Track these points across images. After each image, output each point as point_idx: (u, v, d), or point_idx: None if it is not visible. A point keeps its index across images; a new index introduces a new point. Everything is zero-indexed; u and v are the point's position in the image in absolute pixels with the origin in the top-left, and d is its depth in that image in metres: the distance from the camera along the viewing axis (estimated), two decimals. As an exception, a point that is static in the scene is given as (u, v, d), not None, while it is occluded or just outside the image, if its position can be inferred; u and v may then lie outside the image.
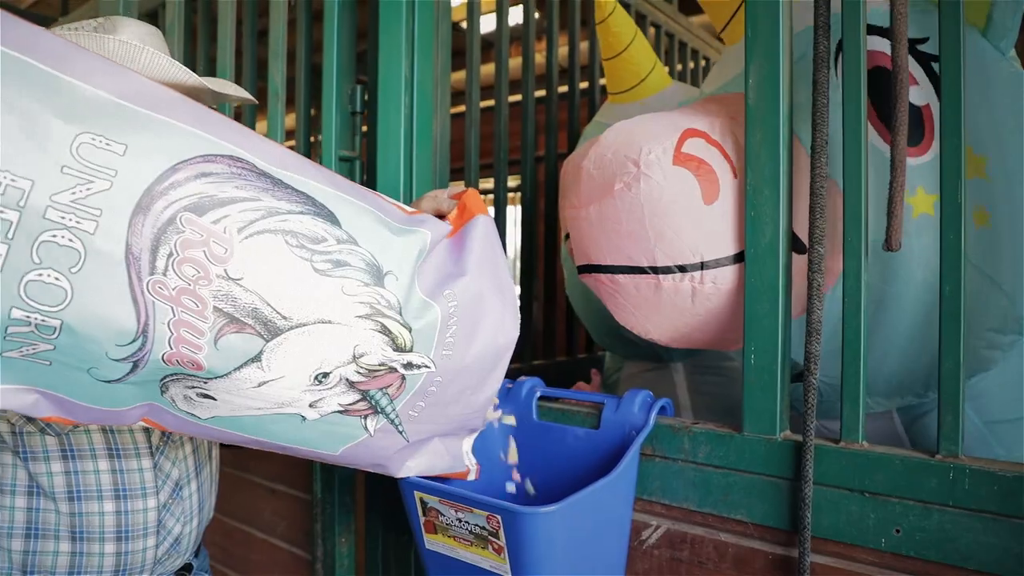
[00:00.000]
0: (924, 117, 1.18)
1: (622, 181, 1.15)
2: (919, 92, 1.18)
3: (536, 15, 2.42)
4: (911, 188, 1.14)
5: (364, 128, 1.62)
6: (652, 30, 2.80)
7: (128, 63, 0.97)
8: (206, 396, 0.85)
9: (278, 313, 0.81)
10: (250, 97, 1.17)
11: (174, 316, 0.76)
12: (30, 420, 1.02)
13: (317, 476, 1.66)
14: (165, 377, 0.82)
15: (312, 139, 1.91)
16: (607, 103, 2.00)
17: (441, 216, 1.13)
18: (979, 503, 0.90)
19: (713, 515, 1.11)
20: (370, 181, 1.52)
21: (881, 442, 1.11)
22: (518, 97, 2.48)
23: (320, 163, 1.56)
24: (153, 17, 2.19)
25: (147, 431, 1.11)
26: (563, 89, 2.56)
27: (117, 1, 1.88)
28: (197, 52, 2.13)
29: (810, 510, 1.00)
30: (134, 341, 0.76)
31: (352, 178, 1.61)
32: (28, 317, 0.72)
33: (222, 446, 1.35)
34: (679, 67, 3.05)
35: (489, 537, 1.00)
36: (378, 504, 1.64)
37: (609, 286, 1.24)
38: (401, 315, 0.89)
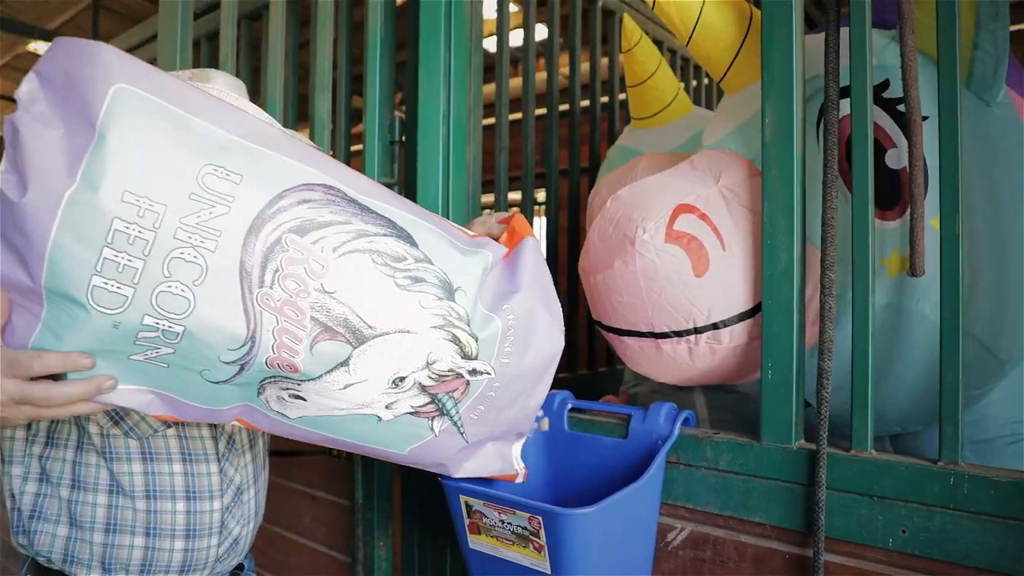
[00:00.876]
0: (902, 179, 1.21)
1: (620, 258, 1.27)
2: (898, 155, 1.22)
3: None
4: (887, 250, 1.21)
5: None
6: (667, 55, 2.89)
7: None
8: (297, 397, 0.95)
9: (365, 323, 0.91)
10: (319, 148, 1.30)
11: (278, 324, 0.87)
12: (116, 424, 1.13)
13: (358, 484, 1.77)
14: (264, 379, 0.92)
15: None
16: (631, 127, 2.07)
17: (491, 238, 1.24)
18: (977, 506, 0.99)
19: (734, 518, 1.21)
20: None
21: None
22: (541, 111, 2.56)
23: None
24: (196, 46, 2.31)
25: (215, 439, 1.22)
26: (585, 103, 2.64)
27: (175, 28, 1.99)
28: (239, 69, 2.24)
29: (823, 513, 1.09)
30: (243, 346, 0.87)
31: (391, 203, 1.72)
32: (157, 324, 0.83)
33: (271, 455, 1.45)
34: (694, 83, 3.14)
35: (531, 537, 1.10)
36: (413, 510, 1.75)
37: (619, 344, 1.39)
38: (469, 326, 0.99)
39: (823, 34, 1.20)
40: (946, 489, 1.01)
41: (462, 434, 1.08)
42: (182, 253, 0.81)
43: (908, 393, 1.30)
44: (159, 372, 0.89)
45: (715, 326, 1.26)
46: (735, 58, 1.39)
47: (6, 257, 0.82)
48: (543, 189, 2.96)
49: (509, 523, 1.13)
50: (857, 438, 1.11)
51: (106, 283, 0.80)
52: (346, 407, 0.97)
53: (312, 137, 1.81)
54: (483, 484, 1.19)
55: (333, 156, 1.87)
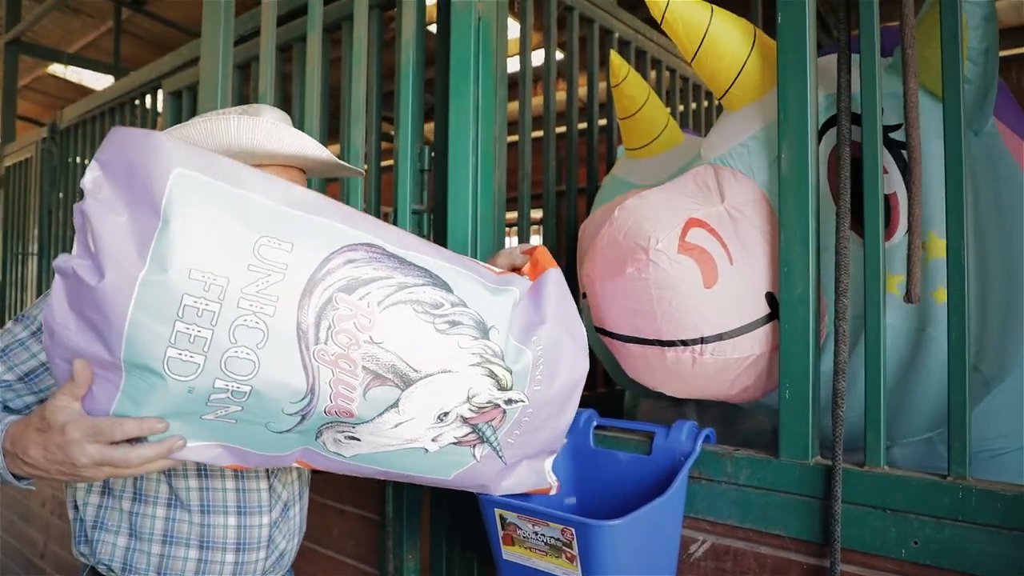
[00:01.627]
0: (892, 204, 1.28)
1: (633, 265, 1.32)
2: (888, 180, 1.27)
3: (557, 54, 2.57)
4: None
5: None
6: (667, 73, 2.96)
7: (278, 140, 1.19)
8: (352, 438, 1.04)
9: (411, 367, 0.99)
10: (361, 172, 1.39)
11: (333, 376, 0.95)
12: None
13: (389, 499, 1.84)
14: (323, 425, 1.01)
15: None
16: (624, 157, 2.13)
17: (515, 269, 1.32)
18: (985, 518, 1.05)
19: (753, 530, 1.27)
20: (441, 231, 1.73)
21: (922, 465, 1.29)
22: (560, 129, 2.63)
23: (396, 217, 1.77)
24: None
25: None
26: (602, 123, 2.72)
27: (217, 58, 2.08)
28: (274, 98, 2.34)
29: (839, 525, 1.15)
30: (304, 398, 0.95)
31: (420, 230, 1.81)
32: (227, 385, 0.91)
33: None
34: (693, 106, 3.21)
35: (563, 547, 1.17)
36: (442, 524, 1.81)
37: (621, 351, 1.43)
38: (503, 361, 1.07)
39: (826, 56, 1.26)
40: (955, 502, 1.07)
41: (501, 457, 1.15)
42: (245, 320, 0.89)
43: (922, 410, 1.36)
44: (227, 427, 0.98)
45: (720, 337, 1.32)
46: (737, 76, 1.44)
47: (86, 334, 0.90)
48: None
49: (542, 535, 1.20)
50: (871, 454, 1.17)
51: (180, 353, 0.88)
52: (396, 443, 1.05)
53: (345, 154, 1.92)
54: (517, 497, 1.26)
55: (367, 170, 1.96)
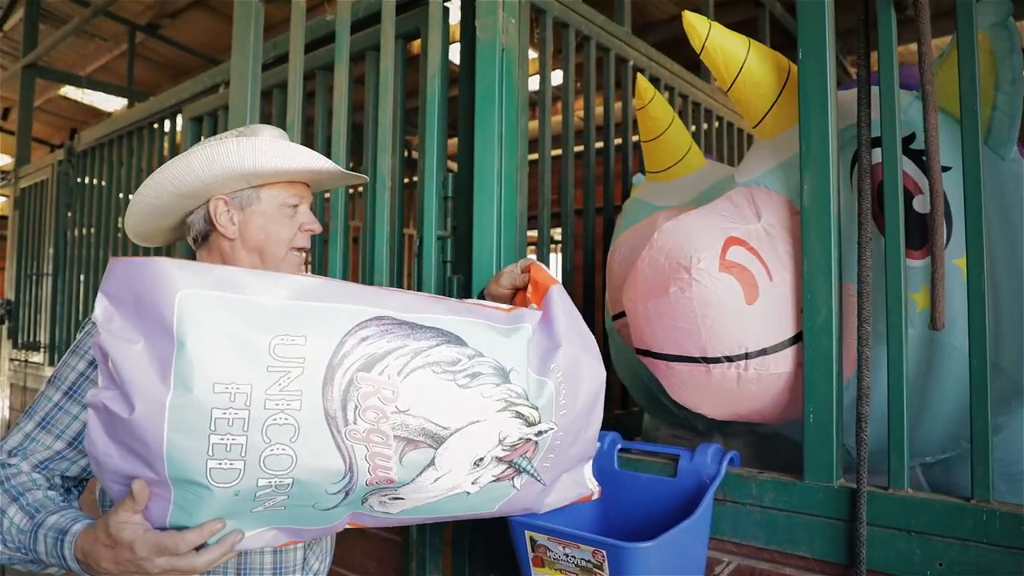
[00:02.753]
0: (926, 224, 1.30)
1: (676, 285, 1.35)
2: (922, 200, 1.31)
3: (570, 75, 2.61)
4: (916, 285, 1.30)
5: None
6: (680, 99, 2.99)
7: (280, 158, 1.23)
8: (396, 498, 1.07)
9: (440, 426, 1.03)
10: (365, 178, 1.43)
11: (368, 451, 0.99)
12: None
13: (412, 519, 1.86)
14: (367, 494, 1.05)
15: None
16: (645, 180, 2.15)
17: (518, 289, 1.37)
18: (1008, 540, 1.08)
19: (778, 552, 1.30)
20: (466, 256, 1.77)
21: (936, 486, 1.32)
22: (578, 148, 2.63)
23: (421, 243, 1.81)
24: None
25: None
26: (618, 142, 2.76)
27: (246, 86, 2.14)
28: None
29: (864, 547, 1.18)
30: (344, 478, 0.99)
31: (443, 254, 1.85)
32: (270, 482, 0.95)
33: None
34: (704, 127, 3.22)
35: (594, 569, 1.19)
36: (464, 544, 1.84)
37: (665, 371, 1.45)
38: (528, 399, 1.10)
39: (851, 90, 1.31)
40: (979, 525, 1.10)
41: (540, 481, 1.18)
42: (275, 419, 0.93)
43: (941, 420, 1.38)
44: (278, 513, 1.02)
45: (764, 352, 1.34)
46: (772, 106, 1.49)
47: (129, 459, 0.94)
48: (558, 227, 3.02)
49: (573, 556, 1.22)
50: (894, 477, 1.20)
51: (220, 463, 0.92)
52: (439, 494, 1.09)
53: (372, 180, 1.97)
54: (548, 519, 1.28)
55: (392, 188, 2.00)
